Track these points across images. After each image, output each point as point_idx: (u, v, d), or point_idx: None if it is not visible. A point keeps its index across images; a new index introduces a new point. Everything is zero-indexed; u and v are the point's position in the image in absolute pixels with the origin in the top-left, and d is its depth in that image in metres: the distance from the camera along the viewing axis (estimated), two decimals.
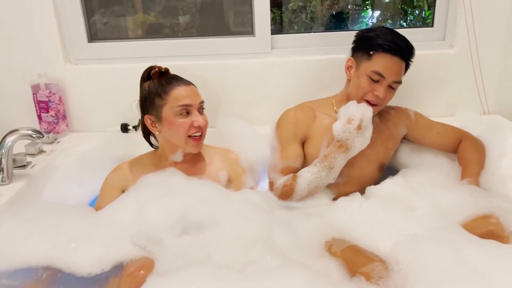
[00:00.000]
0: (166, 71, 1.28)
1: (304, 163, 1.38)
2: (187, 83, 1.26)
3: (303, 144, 1.39)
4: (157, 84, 1.24)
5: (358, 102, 1.33)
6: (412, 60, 1.32)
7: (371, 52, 1.27)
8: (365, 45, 1.30)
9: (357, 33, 1.36)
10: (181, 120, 1.21)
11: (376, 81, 1.28)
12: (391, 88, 1.30)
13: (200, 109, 1.26)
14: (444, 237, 1.05)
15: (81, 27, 1.61)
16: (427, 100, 1.69)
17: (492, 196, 1.21)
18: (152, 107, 1.24)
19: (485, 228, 1.08)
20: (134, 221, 1.12)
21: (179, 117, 1.21)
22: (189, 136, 1.23)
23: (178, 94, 1.21)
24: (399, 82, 1.31)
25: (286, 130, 1.37)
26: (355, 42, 1.35)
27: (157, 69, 1.26)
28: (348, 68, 1.35)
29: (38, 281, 1.01)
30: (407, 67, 1.32)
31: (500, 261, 0.96)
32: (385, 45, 1.25)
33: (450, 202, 1.21)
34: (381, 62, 1.26)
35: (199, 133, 1.24)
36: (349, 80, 1.36)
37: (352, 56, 1.35)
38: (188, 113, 1.22)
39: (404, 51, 1.27)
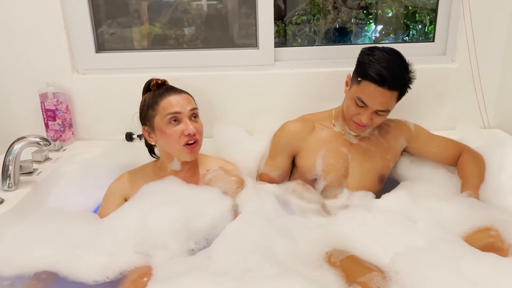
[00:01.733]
0: (163, 82, 1.31)
1: (297, 175, 1.43)
2: (179, 92, 1.28)
3: (294, 157, 1.42)
4: (151, 96, 1.27)
5: (347, 123, 1.37)
6: (407, 89, 1.30)
7: (359, 79, 1.28)
8: (359, 68, 1.30)
9: (361, 49, 1.35)
10: (171, 129, 1.23)
11: (361, 107, 1.29)
12: (378, 114, 1.30)
13: (192, 117, 1.26)
14: (443, 249, 1.05)
15: (89, 38, 1.64)
16: (427, 113, 1.71)
17: (491, 209, 1.22)
18: (147, 118, 1.27)
19: (485, 241, 1.09)
20: (137, 229, 1.13)
21: (169, 126, 1.23)
22: (183, 145, 1.24)
23: (166, 103, 1.23)
24: (386, 111, 1.30)
25: (278, 141, 1.42)
26: (357, 59, 1.35)
27: (154, 81, 1.29)
28: (346, 83, 1.38)
29: (41, 286, 1.02)
30: (402, 94, 1.30)
31: (499, 274, 0.96)
32: (371, 76, 1.24)
33: (450, 215, 1.21)
34: (366, 91, 1.26)
35: (193, 141, 1.25)
36: (345, 93, 1.38)
37: (352, 73, 1.36)
38: (177, 121, 1.23)
39: (391, 84, 1.24)
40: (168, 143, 1.25)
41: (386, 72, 1.23)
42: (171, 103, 1.23)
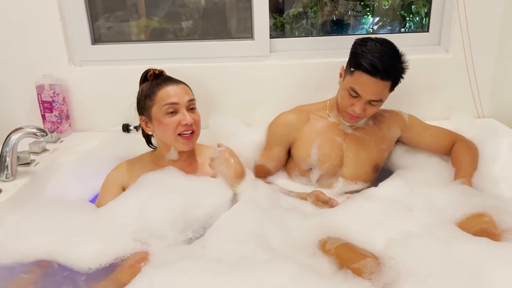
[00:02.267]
0: (160, 72, 1.32)
1: (292, 164, 1.44)
2: (177, 82, 1.28)
3: (290, 148, 1.43)
4: (148, 85, 1.28)
5: (341, 115, 1.38)
6: (400, 78, 1.31)
7: (352, 69, 1.29)
8: (352, 58, 1.31)
9: (354, 40, 1.36)
10: (168, 119, 1.24)
11: (354, 97, 1.30)
12: (371, 104, 1.31)
13: (189, 107, 1.27)
14: (437, 235, 1.06)
15: (85, 30, 1.65)
16: (422, 103, 1.72)
17: (484, 196, 1.23)
18: (144, 108, 1.28)
19: (478, 226, 1.10)
20: (134, 218, 1.14)
21: (166, 116, 1.24)
22: (179, 134, 1.25)
23: (164, 93, 1.24)
24: (379, 101, 1.31)
25: (274, 132, 1.43)
26: (350, 50, 1.36)
27: (152, 71, 1.30)
28: (340, 75, 1.39)
29: (36, 274, 1.03)
30: (395, 84, 1.31)
31: (491, 258, 0.97)
32: (364, 66, 1.25)
33: (444, 202, 1.23)
34: (358, 81, 1.28)
35: (189, 131, 1.26)
36: (339, 84, 1.39)
37: (346, 64, 1.37)
38: (175, 111, 1.24)
39: (383, 74, 1.25)
40: (165, 133, 1.26)
41: (379, 62, 1.24)
42: (169, 93, 1.24)
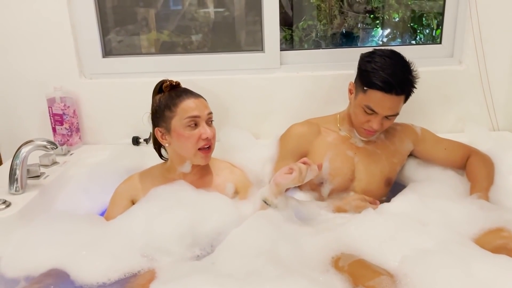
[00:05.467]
0: (177, 84, 1.31)
1: None
2: (196, 95, 1.28)
3: None
4: (167, 96, 1.26)
5: (357, 130, 1.37)
6: (413, 90, 1.31)
7: (365, 88, 1.28)
8: (362, 76, 1.30)
9: (360, 56, 1.35)
10: (189, 132, 1.23)
11: (370, 114, 1.30)
12: (387, 118, 1.31)
13: (209, 121, 1.27)
14: (452, 251, 1.03)
15: (96, 43, 1.66)
16: (435, 116, 1.70)
17: (502, 210, 1.20)
18: (162, 119, 1.26)
19: (497, 242, 1.07)
20: (142, 232, 1.13)
21: (187, 129, 1.23)
22: (199, 149, 1.24)
23: (186, 106, 1.23)
24: (395, 115, 1.31)
25: (287, 144, 1.41)
26: (358, 66, 1.35)
27: (168, 82, 1.28)
28: (349, 91, 1.37)
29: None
30: (409, 95, 1.31)
31: (510, 276, 0.95)
32: (378, 84, 1.25)
33: (460, 216, 1.20)
34: (374, 99, 1.27)
35: (208, 146, 1.26)
36: (350, 101, 1.38)
37: (355, 80, 1.36)
38: (196, 124, 1.23)
39: (398, 89, 1.25)
40: (184, 146, 1.25)
41: (391, 79, 1.24)
42: (190, 106, 1.23)
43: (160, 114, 1.26)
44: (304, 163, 1.15)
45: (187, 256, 1.09)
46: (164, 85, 1.28)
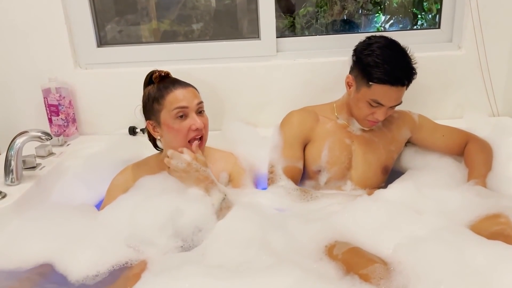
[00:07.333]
0: (166, 75, 1.28)
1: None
2: (185, 85, 1.25)
3: (305, 147, 1.39)
4: (155, 89, 1.24)
5: (360, 122, 1.35)
6: (414, 78, 1.30)
7: (370, 83, 1.26)
8: (364, 71, 1.27)
9: (354, 49, 1.33)
10: (178, 125, 1.21)
11: (376, 106, 1.29)
12: (392, 108, 1.31)
13: (199, 111, 1.24)
14: (447, 238, 1.03)
15: (90, 32, 1.64)
16: (434, 102, 1.68)
17: (499, 197, 1.19)
18: (152, 113, 1.25)
19: (493, 228, 1.05)
20: (128, 224, 1.12)
21: (176, 120, 1.21)
22: (189, 141, 1.22)
23: (173, 97, 1.21)
24: (399, 104, 1.31)
25: (290, 129, 1.38)
26: (353, 60, 1.33)
27: (157, 73, 1.26)
28: (348, 84, 1.35)
29: (33, 281, 1.02)
30: (410, 82, 1.30)
31: (505, 262, 0.93)
32: (383, 78, 1.23)
33: (456, 203, 1.19)
34: (380, 93, 1.26)
35: (199, 136, 1.23)
36: (349, 94, 1.36)
37: (352, 73, 1.33)
38: (185, 115, 1.21)
39: (404, 80, 1.26)
40: (175, 139, 1.23)
41: (397, 71, 1.24)
42: (177, 97, 1.21)
43: (149, 107, 1.25)
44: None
45: (171, 246, 1.07)
46: (153, 76, 1.26)
